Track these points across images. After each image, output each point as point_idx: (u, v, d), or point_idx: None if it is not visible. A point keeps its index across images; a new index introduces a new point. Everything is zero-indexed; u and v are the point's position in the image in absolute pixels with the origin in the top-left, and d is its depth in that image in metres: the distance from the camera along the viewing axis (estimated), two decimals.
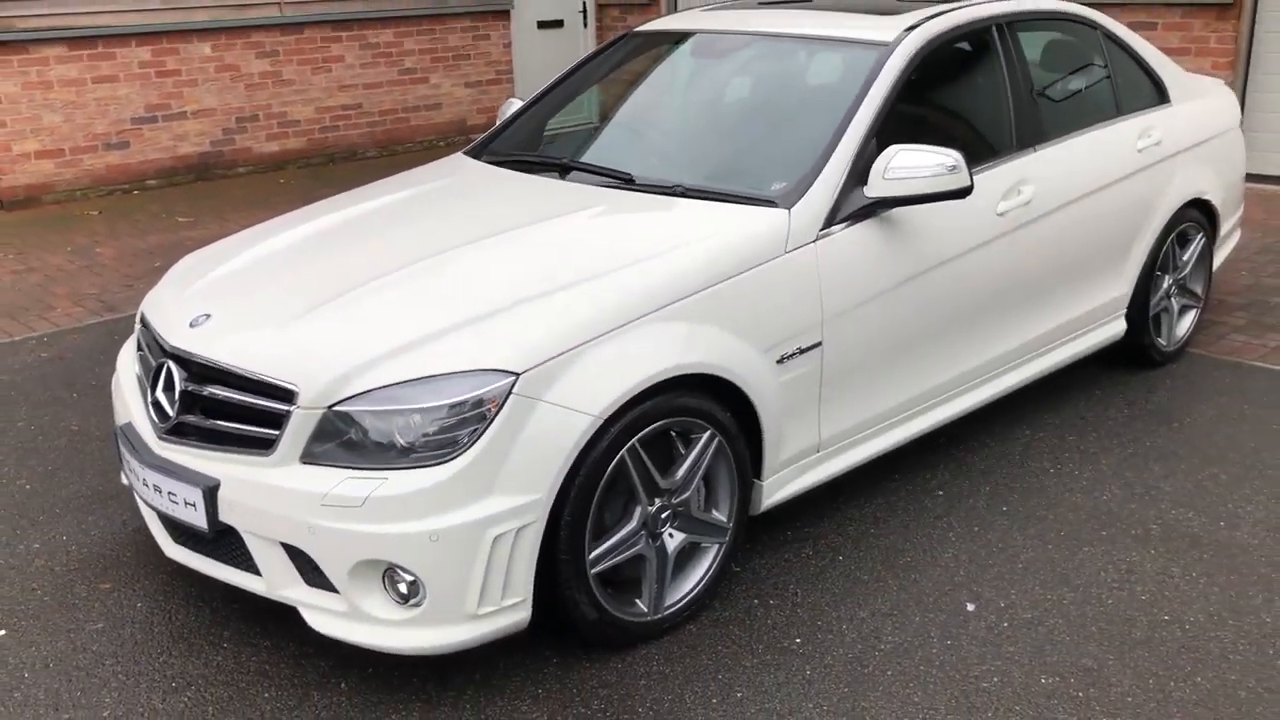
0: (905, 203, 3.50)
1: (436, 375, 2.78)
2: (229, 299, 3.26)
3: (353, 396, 2.78)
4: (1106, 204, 4.39)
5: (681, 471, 3.11)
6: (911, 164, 3.44)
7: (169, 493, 3.00)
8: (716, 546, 3.27)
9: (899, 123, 3.75)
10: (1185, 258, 4.96)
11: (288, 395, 2.84)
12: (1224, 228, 5.16)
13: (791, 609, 3.29)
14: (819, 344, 3.40)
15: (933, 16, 4.03)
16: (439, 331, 2.89)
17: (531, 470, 2.78)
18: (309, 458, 2.82)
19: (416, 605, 2.77)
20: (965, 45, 4.12)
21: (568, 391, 2.82)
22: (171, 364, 3.09)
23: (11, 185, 8.48)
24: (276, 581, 2.90)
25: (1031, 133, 4.15)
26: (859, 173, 3.51)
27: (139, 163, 9.07)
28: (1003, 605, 3.29)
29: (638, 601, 3.13)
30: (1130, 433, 4.37)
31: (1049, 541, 3.62)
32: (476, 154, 4.31)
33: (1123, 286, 4.62)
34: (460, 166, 4.20)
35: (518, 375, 2.78)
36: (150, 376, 3.18)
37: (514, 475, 2.76)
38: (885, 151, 3.48)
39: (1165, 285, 4.89)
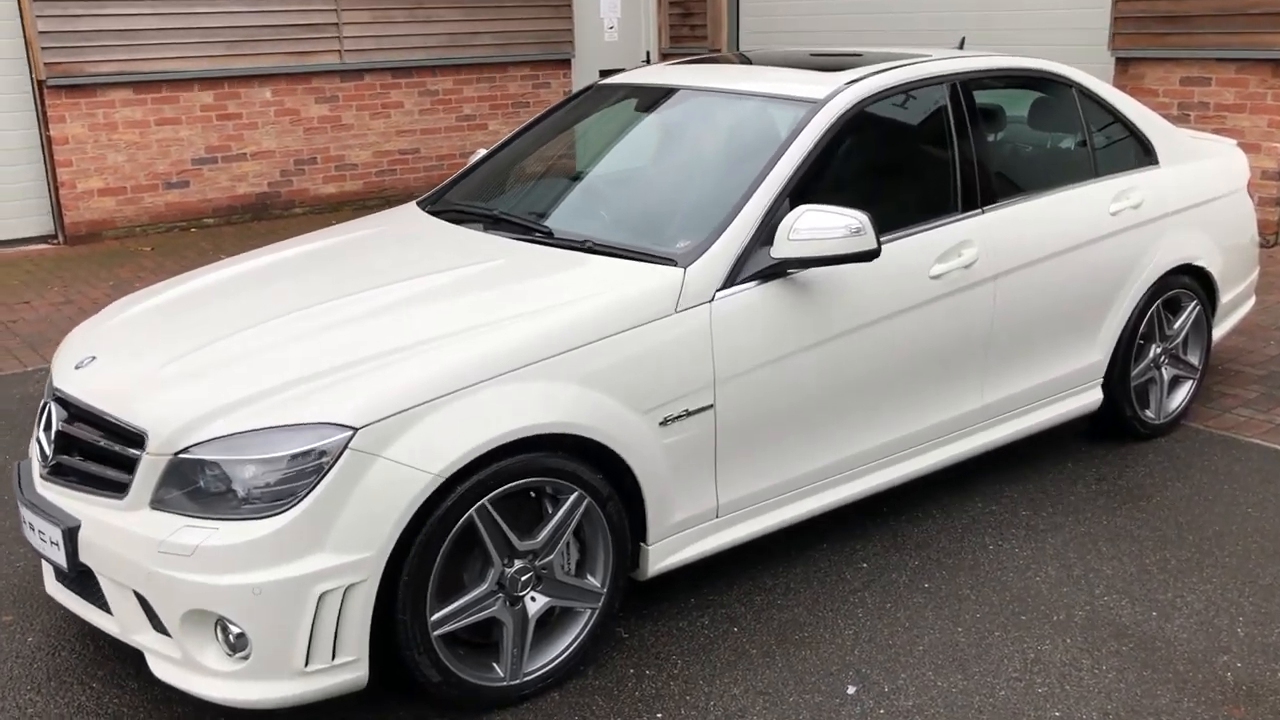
0: (812, 264, 3.39)
1: (276, 427, 2.78)
2: (118, 341, 3.33)
3: (198, 444, 2.80)
4: (1071, 267, 4.19)
5: (544, 533, 3.04)
6: (818, 225, 3.34)
7: (39, 531, 3.06)
8: (589, 612, 3.19)
9: (826, 182, 3.66)
10: (1176, 326, 4.69)
11: (139, 440, 2.88)
12: (1226, 295, 4.87)
13: (665, 681, 3.18)
14: (710, 406, 3.30)
15: (878, 73, 3.92)
16: (287, 383, 2.89)
17: (364, 527, 2.75)
18: (158, 504, 2.84)
19: (245, 658, 2.76)
20: (909, 103, 3.99)
21: (409, 448, 2.79)
22: (53, 404, 3.17)
23: (75, 220, 8.89)
24: (128, 624, 2.92)
25: (980, 194, 3.98)
26: (768, 232, 3.42)
27: (198, 201, 9.43)
28: (886, 690, 3.12)
29: (495, 666, 3.06)
30: (1090, 510, 4.13)
31: (961, 624, 3.43)
32: (429, 202, 4.35)
33: (1095, 354, 4.39)
34: (399, 216, 4.23)
35: (355, 430, 2.76)
36: (40, 416, 3.26)
37: (346, 532, 2.74)
38: (793, 212, 3.38)
39: (1152, 354, 4.62)
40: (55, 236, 8.96)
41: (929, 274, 3.76)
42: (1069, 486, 4.32)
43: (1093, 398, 4.45)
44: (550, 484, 3.02)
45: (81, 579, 3.03)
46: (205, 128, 9.36)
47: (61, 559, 2.99)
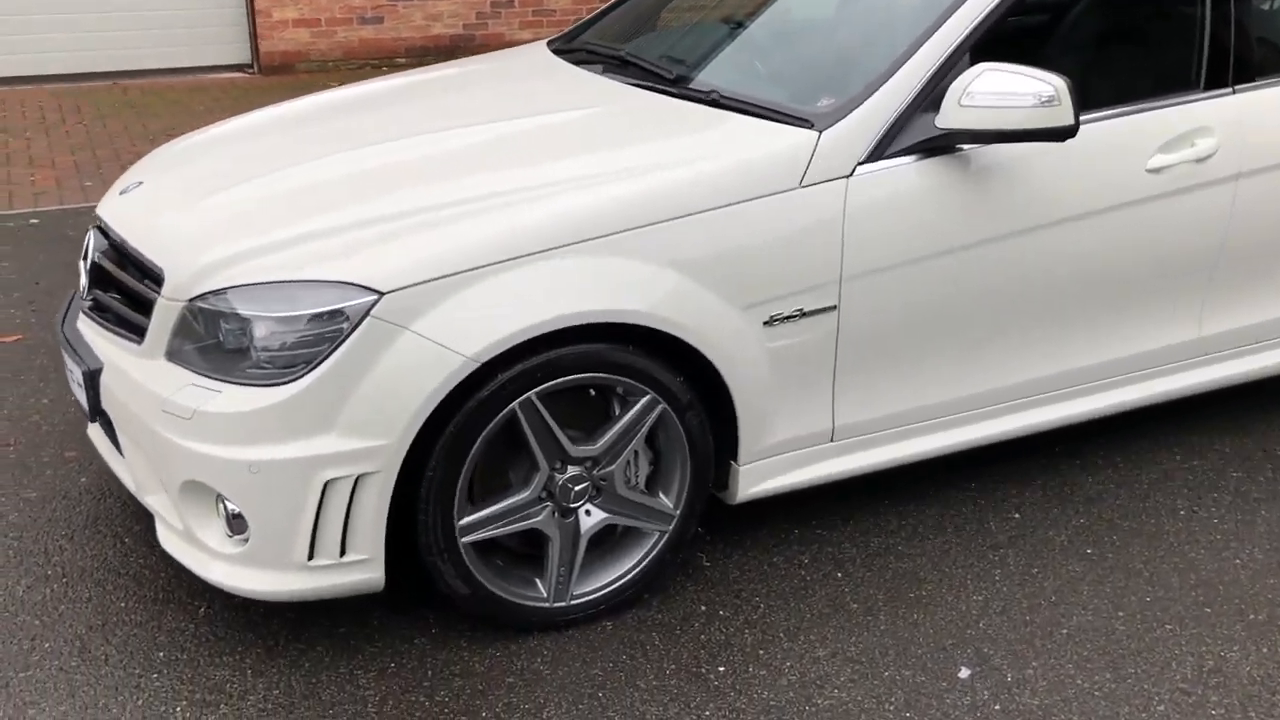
0: (987, 139, 2.67)
1: (297, 282, 2.36)
2: (170, 168, 2.98)
3: (213, 292, 2.42)
4: None
5: (605, 439, 2.55)
6: (1001, 89, 2.61)
7: (69, 368, 2.80)
8: (657, 535, 2.69)
9: (1019, 38, 2.89)
10: None
11: (159, 280, 2.53)
12: None
13: (739, 627, 2.67)
14: (832, 307, 2.68)
15: None
16: (320, 232, 2.46)
17: (382, 410, 2.32)
18: (172, 355, 2.49)
19: (245, 540, 2.41)
20: None
21: (443, 324, 2.33)
22: (93, 231, 2.87)
23: (269, 51, 8.79)
24: (141, 482, 2.63)
25: (1233, 68, 3.10)
26: (934, 95, 2.71)
27: (391, 39, 9.17)
28: (1009, 679, 2.51)
29: (538, 583, 2.62)
30: None
31: (1123, 607, 2.75)
32: (558, 40, 3.80)
33: None
34: (520, 54, 3.71)
35: (380, 295, 2.31)
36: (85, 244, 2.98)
37: (360, 413, 2.32)
38: (970, 70, 2.66)
39: None
40: (250, 66, 8.90)
41: (1146, 166, 2.96)
42: None
43: None
44: (618, 383, 2.51)
45: (109, 426, 2.76)
46: None
47: (84, 402, 2.72)
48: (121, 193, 2.90)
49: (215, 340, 2.43)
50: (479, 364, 2.33)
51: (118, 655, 2.54)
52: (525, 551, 2.66)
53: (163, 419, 2.43)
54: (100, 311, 2.77)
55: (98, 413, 2.70)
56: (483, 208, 2.47)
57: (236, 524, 2.41)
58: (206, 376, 2.41)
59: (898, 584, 2.83)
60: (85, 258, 2.86)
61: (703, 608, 2.73)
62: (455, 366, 2.32)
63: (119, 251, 2.73)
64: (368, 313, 2.30)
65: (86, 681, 2.46)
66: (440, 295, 2.33)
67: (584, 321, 2.40)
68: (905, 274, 2.74)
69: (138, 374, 2.52)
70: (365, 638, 2.62)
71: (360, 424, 2.32)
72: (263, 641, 2.60)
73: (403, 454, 2.34)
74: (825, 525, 3.06)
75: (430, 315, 2.33)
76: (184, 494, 2.44)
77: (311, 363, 2.31)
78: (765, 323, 2.62)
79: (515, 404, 2.41)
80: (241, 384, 2.36)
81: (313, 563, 2.39)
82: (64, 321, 2.93)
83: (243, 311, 2.37)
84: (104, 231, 2.83)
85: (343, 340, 2.30)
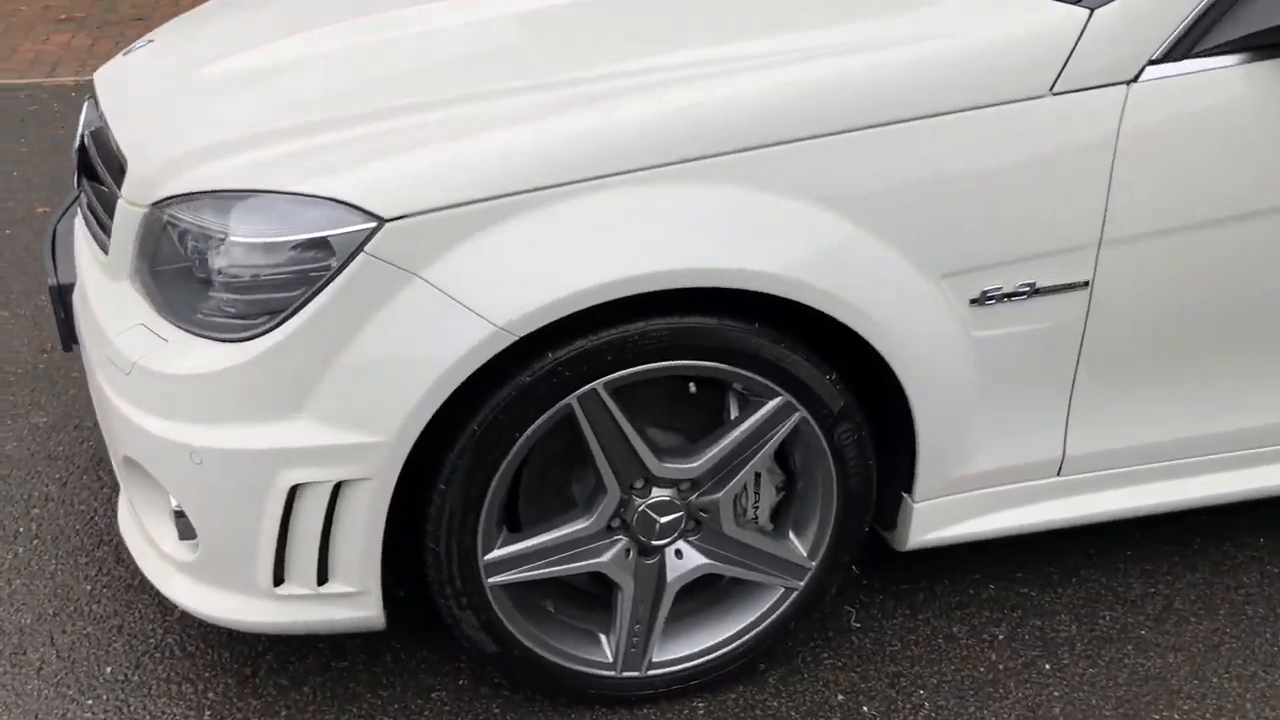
0: None
1: (263, 192, 1.62)
2: (188, 26, 2.28)
3: (176, 199, 1.71)
4: None
5: (710, 455, 1.73)
6: None
7: (48, 280, 2.18)
8: (781, 592, 1.88)
9: None
10: None
11: (122, 169, 1.85)
12: None
13: None
14: (1083, 284, 1.75)
15: None
16: (316, 126, 1.70)
17: (375, 393, 1.58)
18: (135, 277, 1.82)
19: (196, 548, 1.75)
20: None
21: (469, 272, 1.55)
22: (88, 102, 2.22)
23: None
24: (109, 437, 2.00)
25: None
26: None
27: None
28: None
29: (603, 641, 1.86)
30: None
31: None
32: None
33: None
34: None
35: (381, 222, 1.55)
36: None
37: (344, 394, 1.58)
38: None
39: None
40: None
41: None
42: None
43: None
44: (734, 376, 1.68)
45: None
46: None
47: (57, 324, 2.11)
48: (125, 54, 2.23)
49: (178, 266, 1.73)
50: (516, 337, 1.55)
51: (56, 664, 1.95)
52: (589, 590, 1.91)
53: (104, 366, 1.77)
54: (92, 210, 2.13)
55: (73, 339, 2.09)
56: (547, 101, 1.65)
57: (184, 526, 1.74)
58: (160, 317, 1.72)
59: (1135, 694, 1.92)
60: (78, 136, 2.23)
61: (840, 696, 1.91)
62: (482, 338, 1.54)
63: (102, 130, 2.07)
64: (361, 247, 1.55)
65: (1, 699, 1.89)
66: (468, 229, 1.55)
67: (685, 284, 1.57)
68: (1203, 242, 1.77)
69: (95, 298, 1.87)
70: (369, 681, 1.93)
71: (343, 410, 1.58)
72: (238, 666, 1.95)
73: (401, 458, 1.60)
74: (1034, 579, 2.16)
75: (451, 259, 1.55)
76: (128, 474, 1.80)
77: (280, 313, 1.59)
78: (974, 301, 1.72)
79: (573, 397, 1.62)
80: (192, 333, 1.66)
81: (282, 590, 1.70)
82: (61, 217, 2.32)
83: (206, 226, 1.65)
84: (96, 102, 2.17)
85: (323, 285, 1.56)
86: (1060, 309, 1.77)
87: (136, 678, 1.92)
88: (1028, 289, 1.73)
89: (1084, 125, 1.68)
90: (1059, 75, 1.67)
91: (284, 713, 1.86)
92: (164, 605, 2.07)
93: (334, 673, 1.94)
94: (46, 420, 2.60)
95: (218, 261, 1.63)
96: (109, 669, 1.94)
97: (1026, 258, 1.72)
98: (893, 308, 1.68)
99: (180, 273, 1.72)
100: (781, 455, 1.85)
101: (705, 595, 1.92)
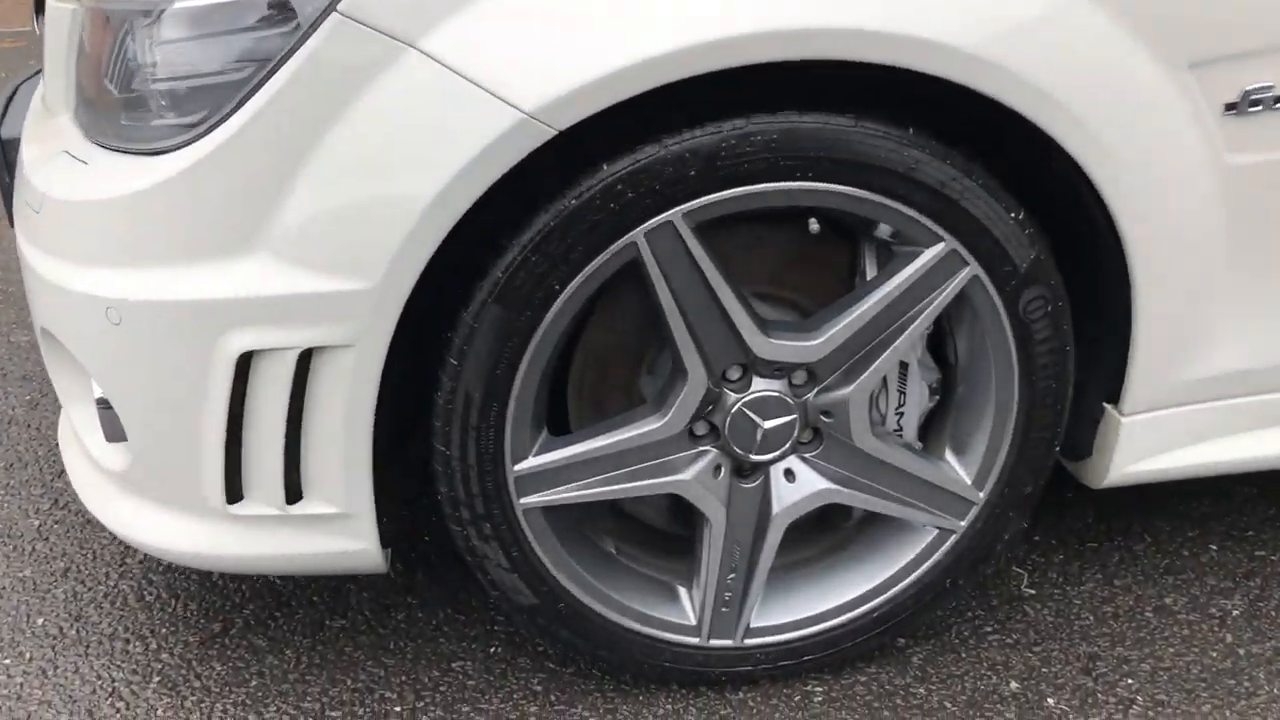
0: None
1: None
2: None
3: None
4: None
5: (835, 329, 1.21)
6: None
7: None
8: (935, 535, 1.34)
9: None
10: None
11: None
12: None
13: None
14: None
15: None
16: None
17: (356, 217, 1.09)
18: (70, 95, 1.37)
19: (128, 451, 1.29)
20: None
21: (485, 39, 1.05)
22: None
23: None
24: None
25: None
26: None
27: None
28: None
29: (682, 596, 1.35)
30: None
31: None
32: None
33: None
34: None
35: None
36: None
37: (312, 219, 1.10)
38: None
39: None
40: None
41: None
42: None
43: None
44: (874, 209, 1.16)
45: None
46: None
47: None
48: None
49: (100, 55, 1.27)
50: (554, 132, 1.05)
51: None
52: (666, 530, 1.40)
53: (20, 215, 1.33)
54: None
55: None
56: None
57: (109, 421, 1.28)
58: (88, 140, 1.27)
59: None
60: None
61: (1013, 685, 1.37)
62: (504, 129, 1.05)
63: None
64: (333, 3, 1.07)
65: None
66: None
67: (816, 54, 1.06)
68: None
69: (28, 139, 1.43)
70: (371, 646, 1.45)
71: (310, 244, 1.10)
72: (205, 622, 1.49)
73: (393, 314, 1.11)
74: (1273, 537, 1.59)
75: (459, 20, 1.06)
76: (48, 353, 1.35)
77: (224, 107, 1.11)
78: (1230, 107, 1.17)
79: (639, 233, 1.11)
80: (117, 149, 1.20)
81: (239, 510, 1.23)
82: (28, 80, 1.90)
83: (138, 6, 1.19)
84: None
85: (282, 60, 1.08)
86: None
87: (74, 632, 1.47)
88: None
89: None
90: None
91: (254, 681, 1.39)
92: (127, 545, 1.62)
93: (327, 633, 1.47)
94: (28, 340, 2.20)
95: (150, 48, 1.17)
96: (40, 620, 1.49)
97: None
98: (1114, 111, 1.14)
99: (116, 82, 1.26)
100: (937, 343, 1.32)
101: (826, 540, 1.41)
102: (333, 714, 1.35)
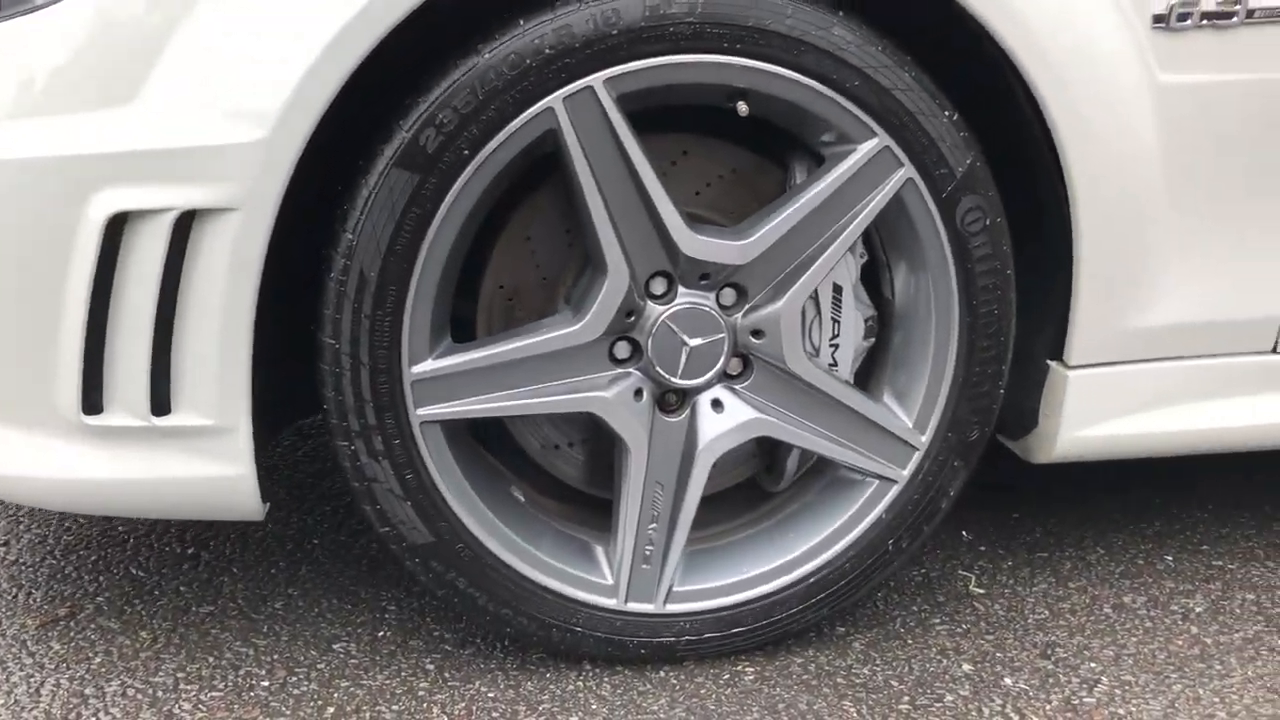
0: None
1: None
2: None
3: None
4: None
5: (762, 232, 1.13)
6: None
7: None
8: (874, 486, 1.22)
9: None
10: None
11: None
12: None
13: None
14: None
15: None
16: None
17: (243, 57, 1.01)
18: None
19: None
20: None
21: None
22: None
23: None
24: None
25: None
26: None
27: None
28: None
29: (598, 555, 1.21)
30: None
31: None
32: None
33: None
34: None
35: None
36: None
37: (195, 61, 1.01)
38: None
39: None
40: None
41: None
42: None
43: None
44: (802, 94, 1.10)
45: None
46: None
47: None
48: None
49: None
50: None
51: None
52: (584, 491, 1.27)
53: None
54: None
55: None
56: None
57: None
58: None
59: None
60: None
61: (966, 666, 1.22)
62: None
63: None
64: None
65: None
66: None
67: None
68: None
69: None
70: (242, 630, 1.27)
71: (191, 89, 1.01)
72: (50, 606, 1.29)
73: (283, 174, 1.01)
74: (1229, 549, 1.49)
75: None
76: None
77: None
78: (1158, 20, 1.16)
79: (557, 97, 1.04)
80: None
81: (96, 421, 1.08)
82: None
83: None
84: None
85: None
86: None
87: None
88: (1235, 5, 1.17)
89: None
90: None
91: (98, 659, 1.20)
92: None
93: (192, 618, 1.28)
94: None
95: None
96: None
97: None
98: (1047, 10, 1.12)
99: None
100: (874, 281, 1.25)
101: (759, 510, 1.28)
102: (188, 688, 1.16)
